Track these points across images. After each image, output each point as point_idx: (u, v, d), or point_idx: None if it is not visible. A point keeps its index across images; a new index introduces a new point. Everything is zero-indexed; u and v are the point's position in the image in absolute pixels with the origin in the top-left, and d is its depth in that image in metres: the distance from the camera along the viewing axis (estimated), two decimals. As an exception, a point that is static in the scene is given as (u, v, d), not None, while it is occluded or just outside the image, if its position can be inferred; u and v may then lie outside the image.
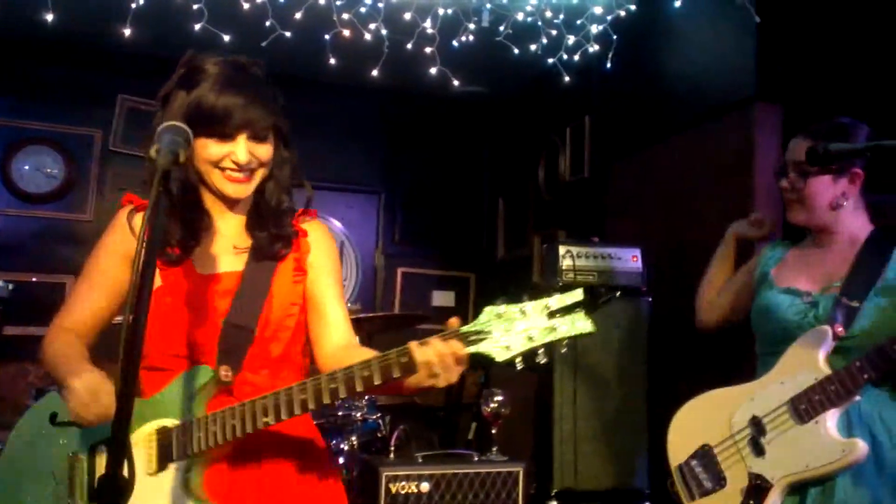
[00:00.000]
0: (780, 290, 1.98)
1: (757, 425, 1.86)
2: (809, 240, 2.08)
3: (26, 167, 4.80)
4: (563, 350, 1.32)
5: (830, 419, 1.76)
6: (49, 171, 4.83)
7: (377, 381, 1.32)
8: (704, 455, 1.94)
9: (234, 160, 1.47)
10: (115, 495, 1.09)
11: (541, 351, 1.29)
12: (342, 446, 3.20)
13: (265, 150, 1.51)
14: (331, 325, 1.59)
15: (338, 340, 1.59)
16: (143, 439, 1.41)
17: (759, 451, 1.84)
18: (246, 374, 1.49)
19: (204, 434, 1.39)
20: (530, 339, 1.28)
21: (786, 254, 2.09)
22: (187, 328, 1.47)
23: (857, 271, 1.90)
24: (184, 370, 1.46)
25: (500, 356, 1.29)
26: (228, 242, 1.57)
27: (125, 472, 1.10)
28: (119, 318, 1.48)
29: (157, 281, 1.46)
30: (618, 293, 1.39)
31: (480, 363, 1.33)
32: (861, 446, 1.72)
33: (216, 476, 1.44)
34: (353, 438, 3.18)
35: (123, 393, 1.09)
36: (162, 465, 1.40)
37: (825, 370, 1.79)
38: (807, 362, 1.82)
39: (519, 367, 1.30)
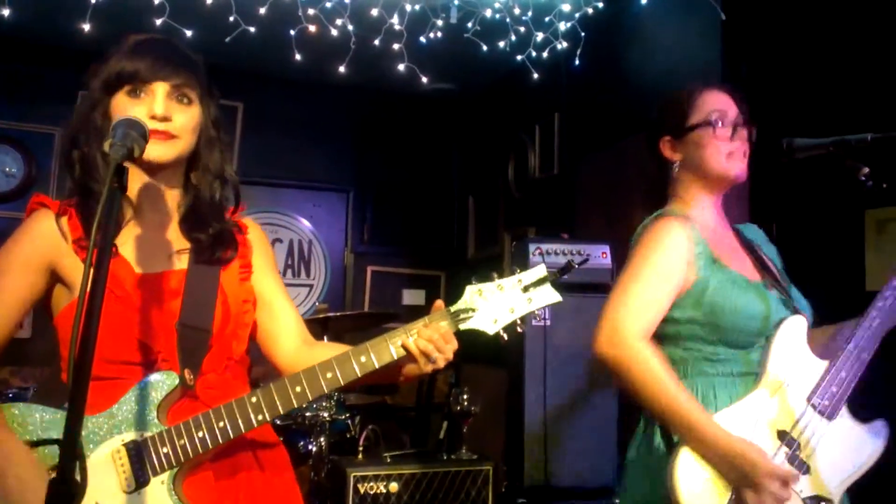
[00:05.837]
0: (755, 287, 1.67)
1: (789, 442, 1.57)
2: (699, 212, 1.81)
3: (-16, 166, 4.69)
4: (538, 320, 1.48)
5: (846, 410, 1.62)
6: (8, 170, 4.73)
7: (377, 366, 1.37)
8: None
9: (151, 114, 1.39)
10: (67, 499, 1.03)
11: (519, 321, 1.43)
12: (310, 447, 3.16)
13: (187, 115, 1.44)
14: (285, 324, 1.57)
15: (295, 338, 1.57)
16: (109, 457, 1.31)
17: (803, 469, 1.56)
18: (207, 376, 1.43)
19: (189, 441, 1.32)
20: (512, 310, 1.42)
21: (698, 232, 1.72)
22: (138, 333, 1.37)
23: (758, 253, 1.79)
24: (137, 378, 1.36)
25: (490, 329, 1.41)
26: (165, 243, 1.49)
27: (77, 477, 1.04)
28: (22, 334, 1.41)
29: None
30: (578, 265, 1.47)
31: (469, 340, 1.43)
32: (884, 425, 1.63)
33: (201, 484, 1.37)
34: (322, 439, 3.14)
35: (75, 395, 1.02)
36: (141, 482, 1.31)
37: (821, 360, 1.63)
38: (799, 356, 1.63)
39: (505, 337, 1.42)
